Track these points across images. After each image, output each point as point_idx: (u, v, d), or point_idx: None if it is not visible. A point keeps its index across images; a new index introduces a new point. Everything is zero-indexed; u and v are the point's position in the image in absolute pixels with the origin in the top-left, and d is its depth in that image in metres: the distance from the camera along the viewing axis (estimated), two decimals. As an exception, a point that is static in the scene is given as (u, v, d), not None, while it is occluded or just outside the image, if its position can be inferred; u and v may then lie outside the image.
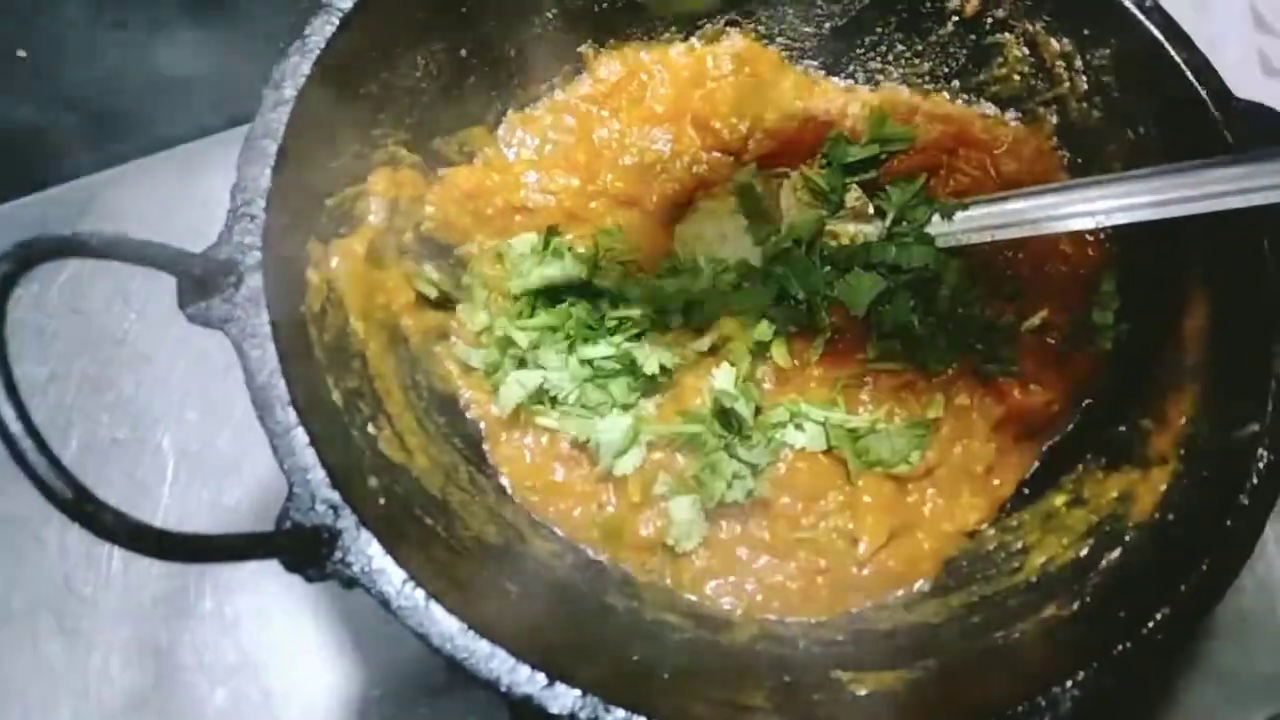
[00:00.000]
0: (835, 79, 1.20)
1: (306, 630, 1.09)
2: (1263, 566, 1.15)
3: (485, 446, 1.03)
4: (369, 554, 0.74)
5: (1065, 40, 1.07)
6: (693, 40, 1.19)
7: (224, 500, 1.15)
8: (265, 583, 1.11)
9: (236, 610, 1.10)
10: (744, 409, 0.95)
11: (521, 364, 1.00)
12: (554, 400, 1.00)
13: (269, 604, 1.10)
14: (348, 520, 0.74)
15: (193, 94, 1.33)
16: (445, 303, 1.06)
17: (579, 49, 1.15)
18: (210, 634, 1.09)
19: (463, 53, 1.06)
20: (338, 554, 0.74)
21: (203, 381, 1.19)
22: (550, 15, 1.11)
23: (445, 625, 0.73)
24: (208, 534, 0.67)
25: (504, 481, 1.01)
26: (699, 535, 0.98)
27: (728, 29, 1.19)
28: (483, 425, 1.03)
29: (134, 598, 1.11)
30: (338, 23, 0.90)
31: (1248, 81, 1.51)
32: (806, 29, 1.19)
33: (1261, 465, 0.82)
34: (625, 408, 0.96)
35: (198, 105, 1.33)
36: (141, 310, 1.23)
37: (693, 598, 0.98)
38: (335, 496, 0.75)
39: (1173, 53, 0.97)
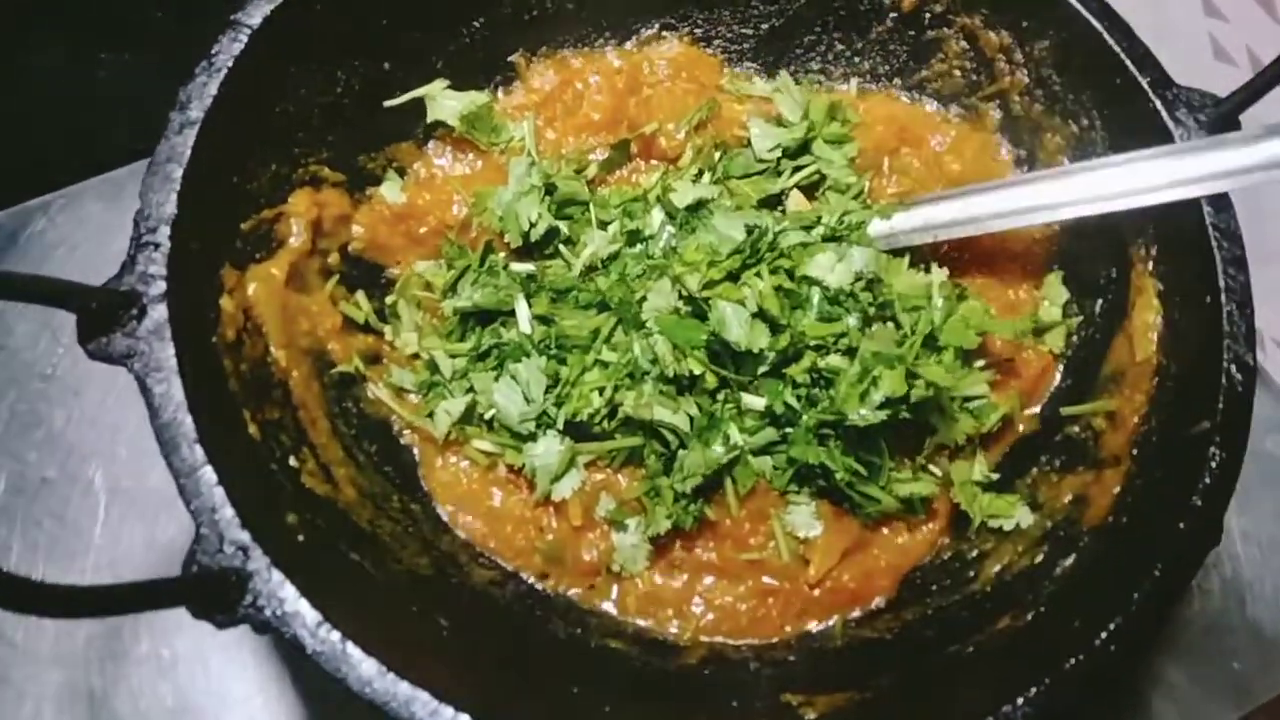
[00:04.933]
0: (774, 81, 1.17)
1: (247, 671, 1.05)
2: (1231, 566, 1.12)
3: (420, 473, 0.99)
4: (281, 596, 0.70)
5: (1004, 33, 1.05)
6: (628, 46, 1.16)
7: (158, 538, 1.11)
8: (202, 623, 1.06)
9: (174, 652, 1.06)
10: (679, 421, 0.91)
11: (451, 391, 0.97)
12: (488, 423, 0.96)
13: (207, 644, 1.06)
14: (259, 561, 0.71)
15: (120, 119, 1.30)
16: (375, 325, 1.03)
17: (510, 58, 1.12)
18: (147, 678, 1.05)
19: (386, 66, 1.02)
20: (249, 597, 0.70)
21: (134, 415, 1.15)
22: (478, 24, 1.08)
23: (363, 668, 0.70)
24: (101, 585, 0.63)
25: (439, 509, 0.98)
26: (644, 559, 0.94)
27: (663, 33, 1.16)
28: (417, 451, 1.00)
29: (66, 643, 1.06)
30: (246, 40, 0.87)
31: (1198, 66, 1.50)
32: (744, 31, 1.16)
33: (1214, 464, 0.80)
34: (561, 434, 0.93)
35: (126, 130, 1.29)
36: (69, 344, 1.18)
37: (639, 622, 0.95)
38: (245, 537, 0.71)
39: (1112, 42, 0.95)
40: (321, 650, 0.70)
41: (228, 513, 0.72)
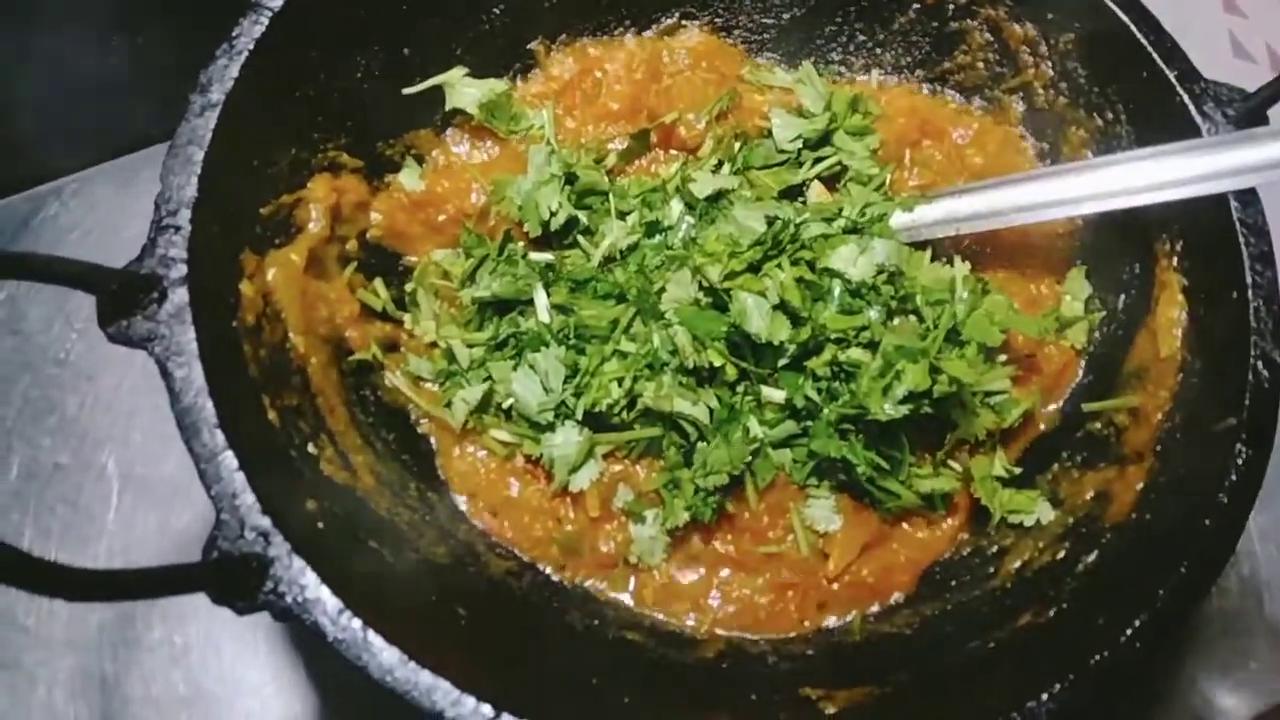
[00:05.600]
0: (796, 72, 1.16)
1: (259, 658, 1.05)
2: (1248, 565, 1.12)
3: (438, 462, 0.98)
4: (303, 583, 0.70)
5: (1029, 25, 1.04)
6: (648, 34, 1.15)
7: (172, 525, 1.11)
8: (216, 609, 1.05)
9: (186, 639, 1.06)
10: (699, 412, 0.90)
11: (468, 380, 0.96)
12: (506, 413, 0.96)
13: (220, 631, 1.06)
14: (280, 548, 0.70)
15: (133, 103, 1.29)
16: (393, 313, 1.02)
17: (530, 45, 1.11)
18: (159, 664, 1.05)
19: (405, 52, 1.02)
20: (269, 584, 0.70)
21: (148, 401, 1.15)
22: (498, 11, 1.07)
23: (385, 657, 0.69)
24: (121, 569, 0.63)
25: (457, 498, 0.97)
26: (662, 551, 0.94)
27: (684, 22, 1.16)
28: (434, 440, 0.99)
29: (79, 628, 1.06)
30: (267, 23, 0.87)
31: (1218, 63, 1.49)
32: (765, 20, 1.16)
33: (1240, 461, 0.79)
34: (580, 424, 0.92)
35: (140, 114, 1.29)
36: (83, 329, 1.19)
37: (656, 615, 0.94)
38: (266, 523, 0.71)
39: (1139, 35, 0.94)
40: (343, 638, 0.69)
41: (249, 498, 0.71)
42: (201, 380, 0.74)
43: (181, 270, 0.77)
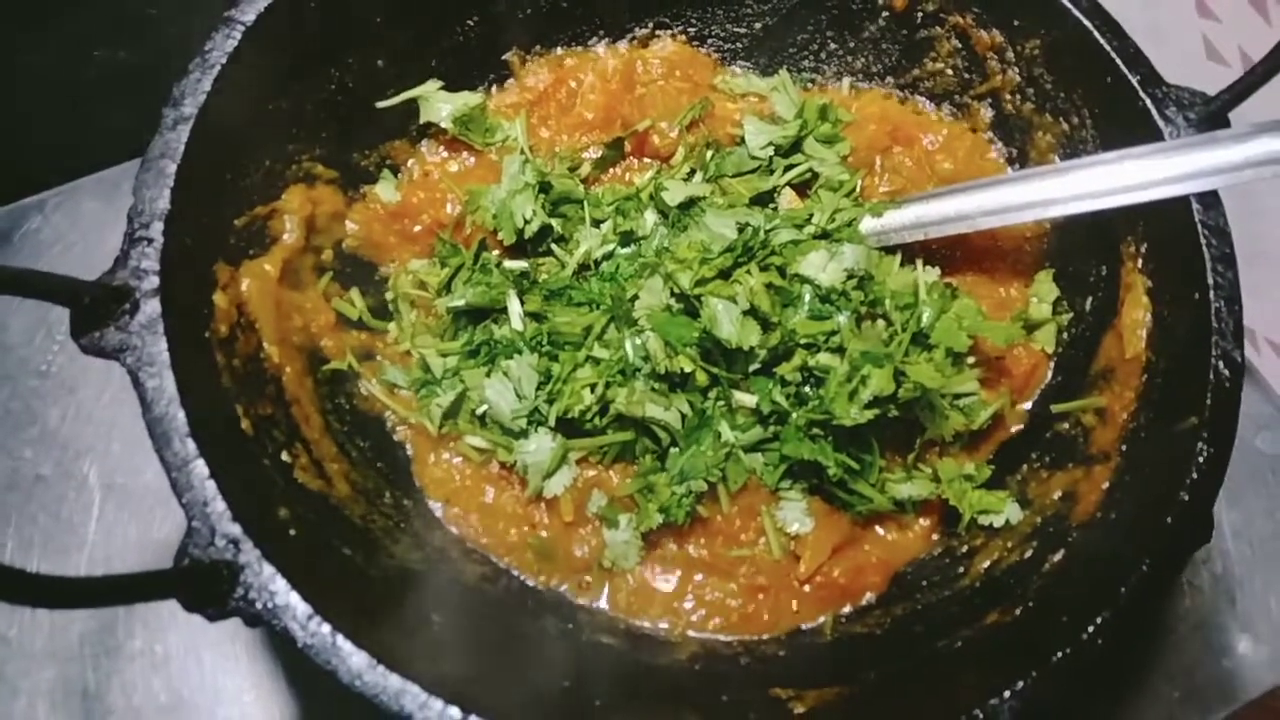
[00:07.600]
0: (768, 80, 1.17)
1: (240, 665, 1.05)
2: (1221, 562, 1.12)
3: (413, 469, 0.99)
4: (272, 589, 0.71)
5: (996, 32, 1.05)
6: (622, 44, 1.16)
7: (153, 535, 1.11)
8: (195, 617, 1.06)
9: (167, 648, 1.06)
10: (671, 418, 0.91)
11: (443, 389, 0.97)
12: (481, 420, 0.97)
13: (200, 639, 1.06)
14: (250, 554, 0.71)
15: (115, 117, 1.30)
16: (369, 322, 1.03)
17: (504, 56, 1.12)
18: (140, 674, 1.05)
19: (379, 63, 1.03)
20: (239, 590, 0.71)
21: (129, 412, 1.14)
22: (472, 22, 1.08)
23: (354, 661, 0.70)
24: (92, 576, 0.64)
25: (432, 505, 0.98)
26: (635, 555, 0.95)
27: (657, 32, 1.17)
28: (409, 447, 1.00)
29: (60, 638, 1.07)
30: (239, 37, 0.88)
31: (1191, 66, 1.50)
32: (738, 29, 1.17)
33: (1202, 460, 0.80)
34: (553, 430, 0.93)
35: (124, 127, 1.29)
36: (65, 341, 1.19)
37: (630, 619, 0.95)
38: (236, 530, 0.72)
39: (1102, 41, 0.95)
40: (312, 643, 0.70)
41: (219, 506, 0.72)
42: (173, 390, 0.75)
43: (154, 282, 0.78)
